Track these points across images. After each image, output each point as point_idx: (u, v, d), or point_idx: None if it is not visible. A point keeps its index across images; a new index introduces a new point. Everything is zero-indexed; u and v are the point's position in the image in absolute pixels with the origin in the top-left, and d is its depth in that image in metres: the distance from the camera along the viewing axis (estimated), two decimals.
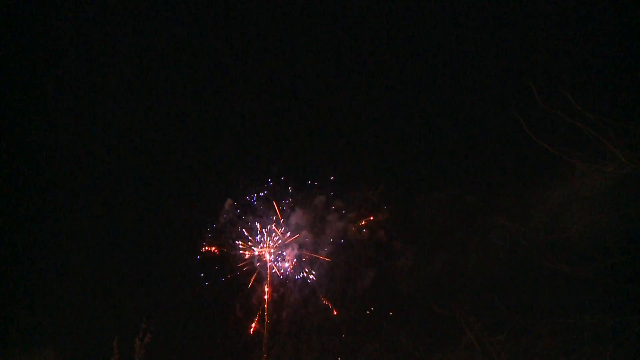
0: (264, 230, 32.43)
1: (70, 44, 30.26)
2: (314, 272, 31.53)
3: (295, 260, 32.02)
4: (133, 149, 33.15)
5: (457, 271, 26.27)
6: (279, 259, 32.29)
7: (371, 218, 31.57)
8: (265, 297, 31.43)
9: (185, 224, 32.16)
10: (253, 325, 30.90)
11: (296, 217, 32.09)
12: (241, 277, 32.04)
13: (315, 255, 31.55)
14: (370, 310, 30.37)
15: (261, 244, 32.33)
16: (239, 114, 34.48)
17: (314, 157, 33.14)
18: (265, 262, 32.11)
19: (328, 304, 31.10)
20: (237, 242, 32.35)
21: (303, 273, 31.69)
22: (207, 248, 32.05)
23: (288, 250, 32.25)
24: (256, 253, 32.25)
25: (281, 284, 31.85)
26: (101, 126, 32.30)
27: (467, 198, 27.19)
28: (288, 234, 32.25)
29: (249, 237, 32.48)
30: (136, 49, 32.56)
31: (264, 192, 32.47)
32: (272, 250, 32.31)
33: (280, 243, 32.35)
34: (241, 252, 32.28)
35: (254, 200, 32.41)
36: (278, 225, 32.35)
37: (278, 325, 31.13)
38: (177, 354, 25.41)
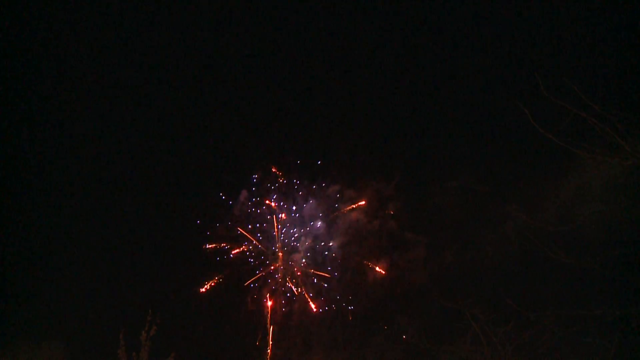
0: (277, 221, 32.33)
1: (78, 40, 30.28)
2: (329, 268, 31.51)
3: (308, 251, 31.94)
4: (145, 141, 33.17)
5: (469, 263, 26.23)
6: (293, 250, 32.22)
7: (391, 212, 31.38)
8: (276, 289, 31.43)
9: (198, 217, 32.14)
10: (266, 318, 30.88)
11: (310, 207, 31.99)
12: (253, 269, 32.04)
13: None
14: (380, 302, 30.34)
15: (274, 236, 32.25)
16: (253, 104, 34.44)
17: (328, 147, 32.96)
18: (278, 254, 32.06)
19: (339, 296, 31.06)
20: (250, 234, 32.27)
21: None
22: (217, 245, 31.98)
23: (301, 242, 32.20)
24: (269, 245, 32.17)
25: (293, 276, 31.80)
26: (113, 120, 32.34)
27: (480, 188, 27.05)
28: (301, 225, 32.20)
29: (263, 229, 32.41)
30: (148, 40, 32.51)
31: (277, 183, 32.35)
32: (285, 242, 32.26)
33: (294, 234, 32.30)
34: (254, 244, 32.23)
35: (269, 192, 32.29)
36: (291, 216, 32.26)
37: (289, 318, 31.15)
38: (183, 345, 25.52)
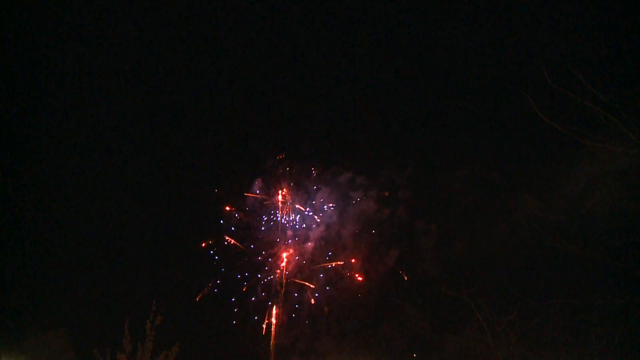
0: (289, 210, 32.02)
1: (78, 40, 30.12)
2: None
3: (319, 240, 31.71)
4: (156, 126, 33.12)
5: (476, 252, 26.16)
6: (305, 239, 32.00)
7: (402, 202, 31.03)
8: (284, 280, 31.24)
9: (210, 205, 31.97)
10: (274, 309, 30.81)
11: (322, 195, 31.74)
12: (265, 259, 31.84)
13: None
14: (388, 292, 30.22)
15: (285, 225, 31.98)
16: (265, 92, 34.25)
17: (340, 136, 32.79)
18: (289, 243, 31.86)
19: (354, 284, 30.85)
20: (260, 223, 31.97)
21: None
22: (225, 237, 31.68)
23: (313, 230, 31.99)
24: (280, 234, 31.91)
25: (305, 266, 31.60)
26: (124, 109, 32.26)
27: (492, 175, 26.86)
28: (313, 213, 31.98)
29: (274, 219, 32.12)
30: (161, 28, 32.34)
31: (290, 171, 32.01)
32: (296, 231, 32.01)
33: (306, 223, 32.07)
34: (264, 233, 31.97)
35: (282, 180, 31.96)
36: (304, 205, 31.98)
37: (298, 308, 31.07)
38: (188, 335, 25.69)
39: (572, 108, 14.26)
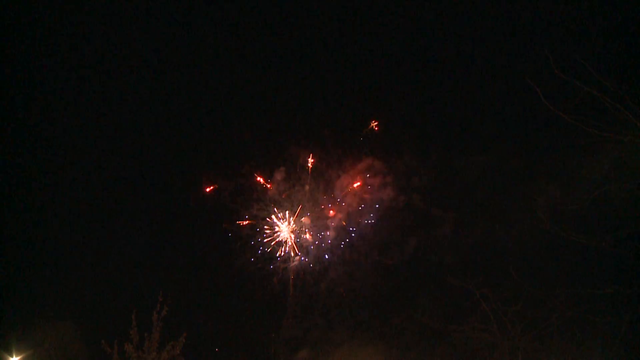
0: (309, 198, 31.88)
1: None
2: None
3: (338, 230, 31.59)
4: (172, 114, 33.02)
5: (485, 243, 26.01)
6: (322, 230, 31.88)
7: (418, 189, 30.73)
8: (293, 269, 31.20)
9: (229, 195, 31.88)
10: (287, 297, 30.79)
11: (341, 183, 31.60)
12: (281, 248, 31.74)
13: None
14: (401, 282, 30.13)
15: (305, 214, 31.84)
16: (284, 80, 34.09)
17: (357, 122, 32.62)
18: (305, 233, 31.73)
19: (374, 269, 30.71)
20: (279, 212, 31.86)
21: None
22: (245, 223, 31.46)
23: (330, 220, 31.88)
24: (293, 224, 31.81)
25: (322, 256, 31.49)
26: (143, 95, 32.19)
27: (512, 162, 26.61)
28: (331, 202, 31.86)
29: (292, 207, 32.01)
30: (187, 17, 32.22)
31: (311, 160, 31.79)
32: (312, 220, 31.92)
33: (324, 212, 31.96)
34: (281, 224, 31.84)
35: (301, 169, 31.77)
36: (324, 194, 31.85)
37: (312, 298, 31.02)
38: (196, 326, 25.82)
39: (579, 96, 14.18)
